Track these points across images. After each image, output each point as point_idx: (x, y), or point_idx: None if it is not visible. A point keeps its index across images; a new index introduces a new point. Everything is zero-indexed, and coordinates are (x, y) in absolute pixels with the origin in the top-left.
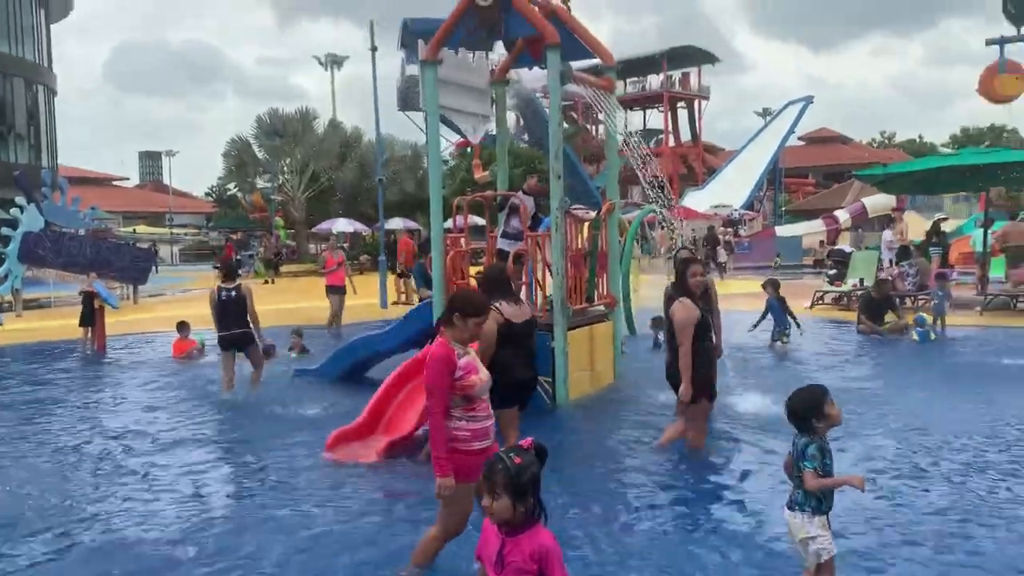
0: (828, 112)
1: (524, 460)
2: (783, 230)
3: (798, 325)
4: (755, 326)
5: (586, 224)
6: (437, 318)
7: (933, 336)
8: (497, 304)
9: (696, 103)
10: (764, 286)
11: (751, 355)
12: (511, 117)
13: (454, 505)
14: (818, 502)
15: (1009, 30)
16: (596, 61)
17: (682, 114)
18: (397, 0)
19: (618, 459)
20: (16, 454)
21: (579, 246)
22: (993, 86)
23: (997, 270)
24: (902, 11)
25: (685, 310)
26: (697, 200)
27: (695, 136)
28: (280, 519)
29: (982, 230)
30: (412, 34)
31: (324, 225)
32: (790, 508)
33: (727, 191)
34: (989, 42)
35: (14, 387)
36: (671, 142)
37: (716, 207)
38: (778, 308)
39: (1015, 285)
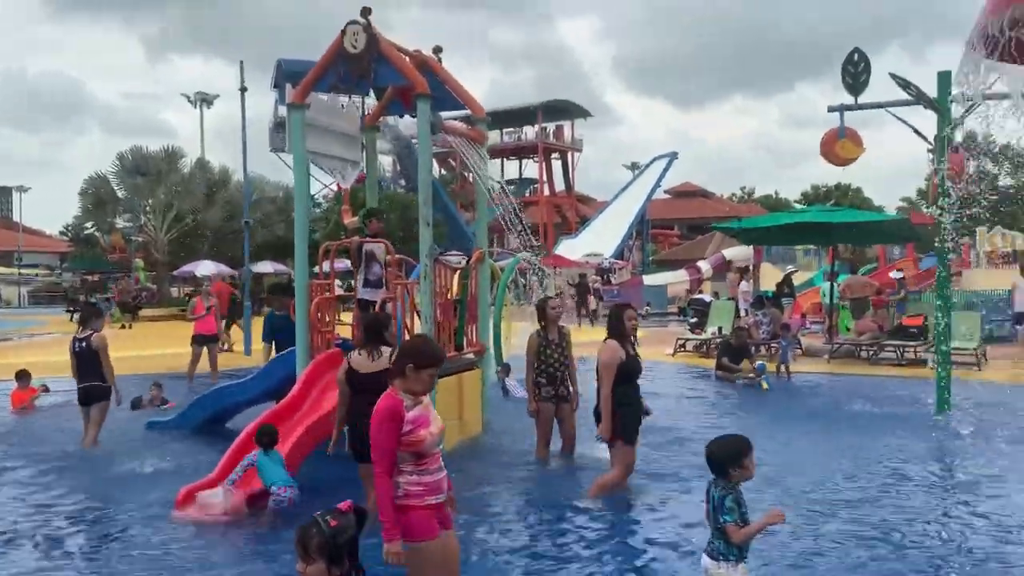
0: (692, 167)
1: (340, 523)
2: (651, 279)
3: None
4: None
5: (457, 272)
6: (390, 369)
7: (765, 386)
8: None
9: (570, 154)
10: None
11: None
12: (388, 161)
13: (430, 569)
14: (739, 551)
15: (848, 98)
16: (468, 112)
17: (556, 165)
18: (272, 39)
19: (484, 510)
20: None
21: (448, 294)
22: (834, 150)
23: (846, 320)
24: (761, 74)
25: (608, 351)
26: (570, 248)
27: (569, 186)
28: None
29: (829, 282)
30: (286, 75)
31: (187, 267)
32: (712, 558)
33: (599, 240)
34: (831, 109)
35: None
36: (546, 191)
37: (588, 255)
38: None
39: (858, 335)
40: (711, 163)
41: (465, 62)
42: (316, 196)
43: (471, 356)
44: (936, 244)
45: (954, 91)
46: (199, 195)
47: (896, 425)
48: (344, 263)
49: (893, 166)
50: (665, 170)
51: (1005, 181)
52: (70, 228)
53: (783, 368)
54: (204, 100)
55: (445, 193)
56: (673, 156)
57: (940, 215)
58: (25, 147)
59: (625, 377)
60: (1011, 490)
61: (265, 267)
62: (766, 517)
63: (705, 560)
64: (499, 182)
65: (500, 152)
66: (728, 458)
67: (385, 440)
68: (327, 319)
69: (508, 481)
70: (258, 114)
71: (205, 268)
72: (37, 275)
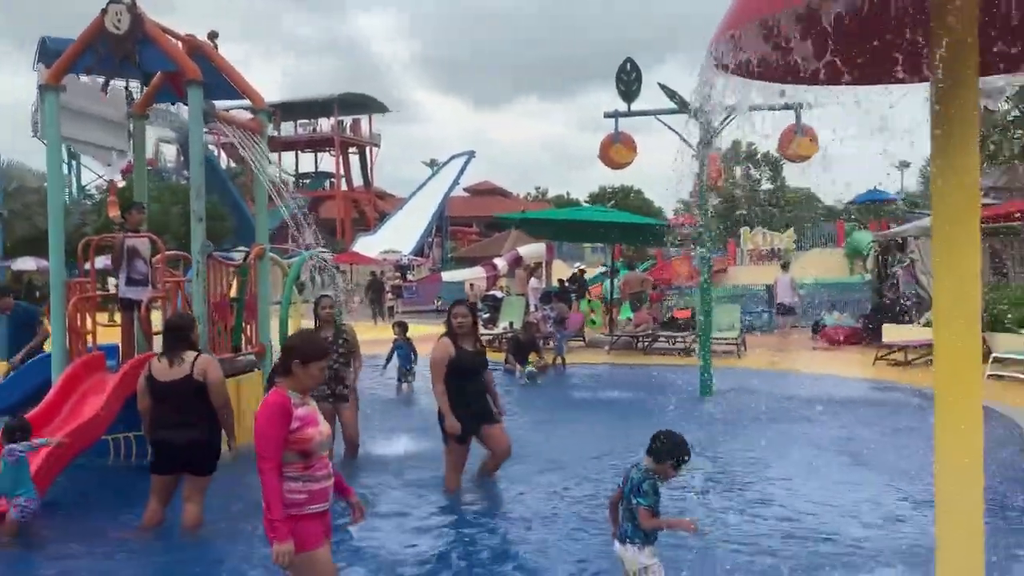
0: (491, 166)
1: None
2: (449, 275)
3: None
4: (384, 367)
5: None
6: (273, 367)
7: (540, 380)
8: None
9: (367, 149)
10: (393, 327)
11: (384, 397)
12: (171, 151)
13: None
14: (645, 534)
15: (624, 105)
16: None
17: (354, 159)
18: (38, 14)
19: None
20: None
21: (224, 292)
22: (609, 154)
23: (626, 313)
24: (555, 79)
25: (437, 349)
26: (368, 245)
27: (367, 182)
28: None
29: (609, 279)
30: (50, 54)
31: None
32: (621, 542)
33: (397, 237)
34: (607, 115)
35: None
36: (343, 186)
37: (386, 252)
38: (405, 349)
39: (635, 326)
40: (509, 163)
41: (257, 50)
42: (88, 187)
43: (250, 357)
44: (675, 244)
45: (692, 103)
46: None
47: (664, 410)
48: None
49: (669, 169)
50: (463, 169)
51: (766, 186)
52: None
53: (559, 360)
54: None
55: (234, 186)
56: (471, 155)
57: (701, 218)
58: None
59: (456, 373)
60: (766, 467)
61: (27, 263)
62: (681, 521)
63: (616, 544)
64: (290, 175)
65: (294, 144)
66: (671, 451)
67: (273, 433)
68: (86, 322)
69: None
70: (22, 96)
71: None
72: None
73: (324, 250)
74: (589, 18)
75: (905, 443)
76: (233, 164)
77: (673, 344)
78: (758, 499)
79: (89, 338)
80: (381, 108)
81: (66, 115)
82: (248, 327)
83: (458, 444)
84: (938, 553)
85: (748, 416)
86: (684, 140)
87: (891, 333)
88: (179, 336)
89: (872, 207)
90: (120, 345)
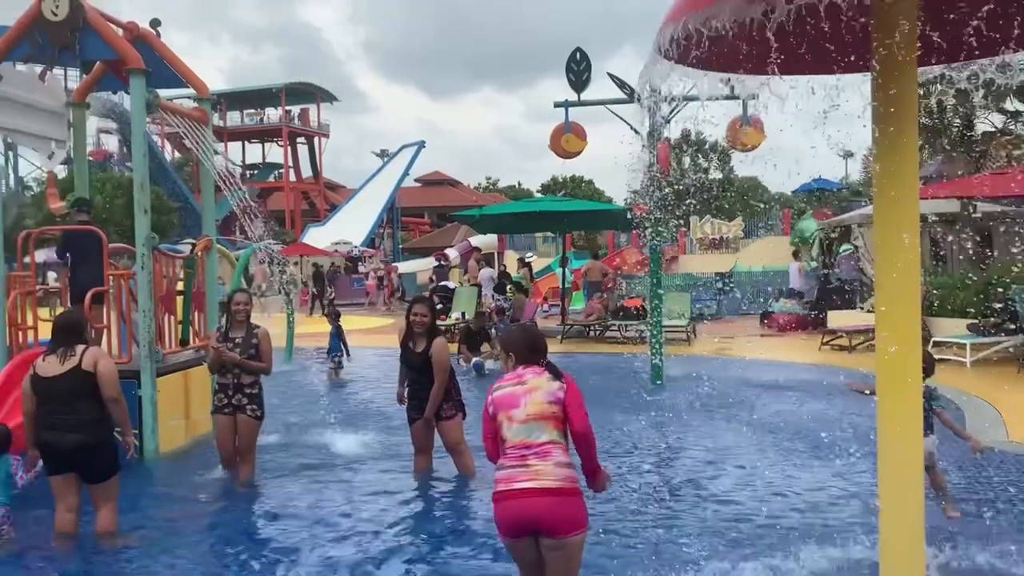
0: (442, 157)
1: None
2: (402, 267)
3: (348, 354)
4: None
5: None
6: None
7: (485, 372)
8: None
9: (316, 139)
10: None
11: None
12: (114, 141)
13: None
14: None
15: (574, 95)
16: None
17: (302, 150)
18: None
19: (205, 510)
20: None
21: (170, 285)
22: (559, 143)
23: (578, 303)
24: (508, 69)
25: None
26: (318, 236)
27: (316, 172)
28: None
29: (562, 268)
30: None
31: None
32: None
33: (348, 228)
34: (556, 104)
35: None
36: (292, 177)
37: (337, 244)
38: (335, 337)
39: (587, 316)
40: (460, 153)
41: (203, 38)
42: (27, 178)
43: (196, 351)
44: (642, 232)
45: (639, 92)
46: None
47: (616, 397)
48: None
49: (620, 158)
50: (413, 158)
51: (715, 175)
52: None
53: None
54: None
55: (179, 177)
56: (421, 145)
57: (651, 207)
58: None
59: (405, 366)
60: (715, 451)
61: None
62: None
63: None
64: (238, 165)
65: (241, 134)
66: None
67: None
68: (25, 317)
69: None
70: None
71: None
72: None
73: (273, 242)
74: (542, 8)
75: (846, 424)
76: (178, 154)
77: (624, 332)
78: (708, 485)
79: (31, 333)
80: (329, 97)
81: (3, 105)
82: (196, 320)
83: (409, 425)
84: (882, 530)
85: (697, 402)
86: (634, 130)
87: (836, 319)
88: (70, 332)
89: (816, 195)
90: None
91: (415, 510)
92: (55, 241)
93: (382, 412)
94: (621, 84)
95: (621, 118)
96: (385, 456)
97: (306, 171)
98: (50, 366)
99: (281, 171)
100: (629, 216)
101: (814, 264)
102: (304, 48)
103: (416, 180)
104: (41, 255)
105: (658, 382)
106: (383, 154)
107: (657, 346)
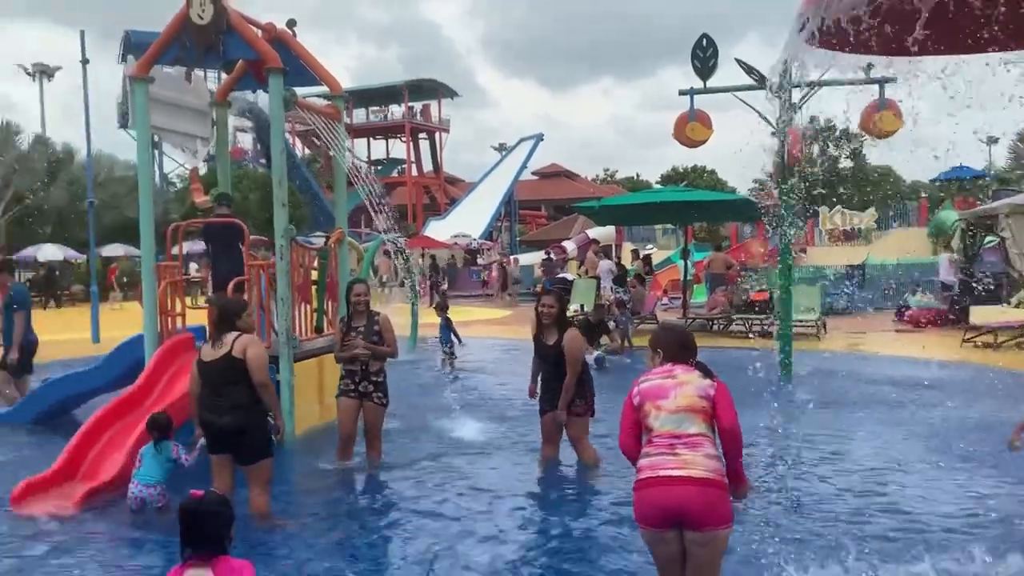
0: (559, 149)
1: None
2: (525, 259)
3: (460, 342)
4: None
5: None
6: None
7: (606, 365)
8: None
9: (437, 135)
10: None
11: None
12: (248, 139)
13: None
14: None
15: (699, 83)
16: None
17: (424, 145)
18: (121, 8)
19: (345, 490)
20: None
21: (307, 275)
22: (684, 132)
23: (700, 296)
24: (626, 59)
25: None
26: (439, 229)
27: (437, 167)
28: None
29: (684, 260)
30: (134, 47)
31: (28, 251)
32: None
33: (468, 221)
34: (681, 92)
35: None
36: (414, 172)
37: (456, 236)
38: (444, 329)
39: (710, 310)
40: (577, 145)
41: (331, 38)
42: (171, 175)
43: (331, 339)
44: (772, 224)
45: (773, 79)
46: (39, 173)
47: (743, 394)
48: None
49: (745, 147)
50: (531, 151)
51: (846, 163)
52: None
53: (626, 342)
54: (44, 72)
55: (310, 172)
56: (539, 138)
57: (782, 197)
58: None
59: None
60: (851, 449)
61: (116, 250)
62: None
63: None
64: (364, 162)
65: (366, 131)
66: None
67: None
68: (175, 304)
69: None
70: (108, 88)
71: (48, 252)
72: None
73: (398, 235)
74: None
75: (994, 428)
76: (308, 151)
77: (750, 327)
78: (844, 484)
79: (179, 319)
80: (450, 93)
81: (154, 105)
82: (329, 309)
83: (540, 416)
84: None
85: (829, 400)
86: (763, 117)
87: (979, 315)
88: (223, 320)
89: (957, 184)
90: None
91: (542, 499)
92: (197, 234)
93: (502, 401)
94: (749, 70)
95: (749, 105)
96: (507, 445)
97: (427, 166)
98: (208, 351)
99: (404, 166)
100: (755, 206)
101: (955, 256)
102: (426, 45)
103: (533, 173)
104: (186, 246)
105: (787, 379)
106: (501, 148)
107: (786, 341)
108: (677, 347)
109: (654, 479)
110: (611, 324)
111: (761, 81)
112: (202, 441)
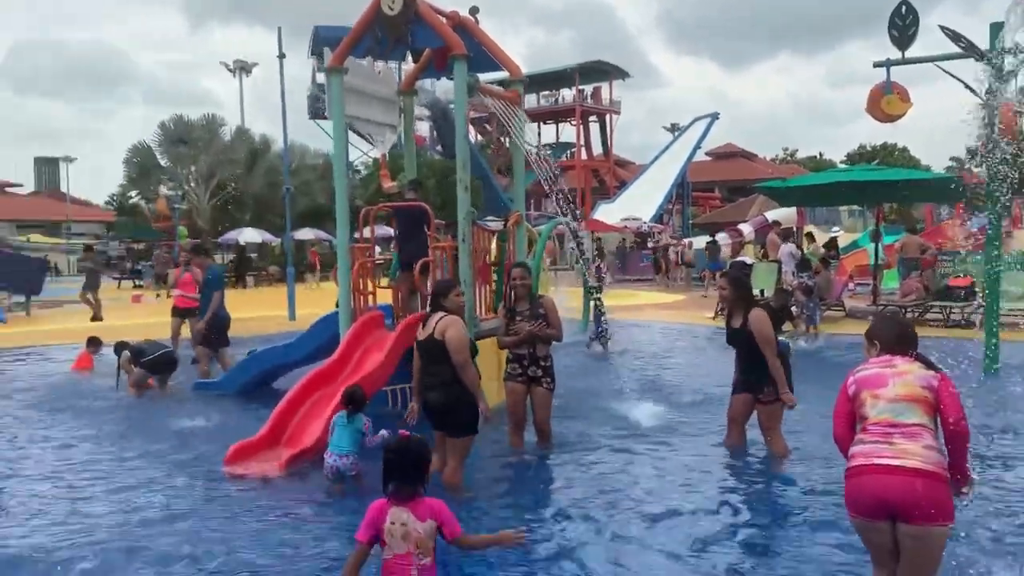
0: (734, 128)
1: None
2: (699, 242)
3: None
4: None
5: (494, 235)
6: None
7: (793, 351)
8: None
9: (608, 117)
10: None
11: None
12: (425, 127)
13: None
14: None
15: (895, 54)
16: (505, 74)
17: (594, 128)
18: (312, 6)
19: (520, 471)
20: None
21: (487, 257)
22: (879, 106)
23: (891, 282)
24: (805, 33)
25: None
26: (608, 213)
27: (606, 149)
28: (179, 533)
29: (875, 243)
30: (323, 41)
31: (231, 235)
32: None
33: (637, 204)
34: (876, 64)
35: None
36: (583, 155)
37: (626, 220)
38: (597, 312)
39: (903, 296)
40: (754, 124)
41: (504, 23)
42: (355, 163)
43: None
44: (975, 205)
45: (1004, 42)
46: (240, 163)
47: None
48: (387, 230)
49: (941, 123)
50: (706, 131)
51: None
52: (115, 197)
53: (812, 329)
54: (243, 68)
55: (483, 158)
56: (714, 117)
57: (991, 173)
58: (71, 117)
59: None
60: None
61: (306, 234)
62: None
63: None
64: (536, 147)
65: (536, 116)
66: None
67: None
68: (367, 283)
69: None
70: (297, 82)
71: (248, 235)
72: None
73: (570, 219)
74: None
75: None
76: (480, 137)
77: (948, 315)
78: None
79: (370, 298)
80: (622, 74)
81: (349, 96)
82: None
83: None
84: None
85: None
86: (968, 88)
87: None
88: (434, 298)
89: None
90: (393, 305)
91: (727, 487)
92: (385, 218)
93: (672, 386)
94: (956, 37)
95: (952, 75)
96: (685, 431)
97: (596, 149)
98: (421, 331)
99: (573, 150)
100: (960, 186)
101: None
102: (597, 27)
103: (707, 154)
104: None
105: (994, 370)
106: (673, 128)
107: (992, 330)
108: (895, 338)
109: (868, 467)
110: (794, 310)
111: (969, 49)
112: (383, 432)
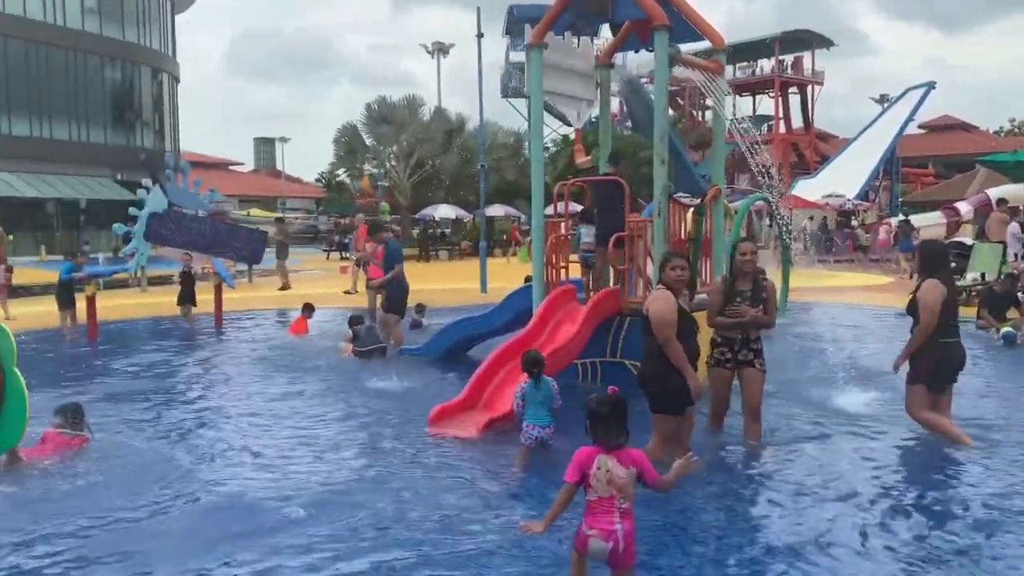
0: (951, 98)
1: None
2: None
3: None
4: None
5: (690, 211)
6: None
7: (1021, 341)
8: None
9: (809, 88)
10: None
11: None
12: (615, 103)
13: None
14: None
15: None
16: (705, 44)
17: (794, 100)
18: None
19: (722, 456)
20: (134, 426)
21: (683, 233)
22: None
23: None
24: None
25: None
26: (808, 189)
27: (807, 122)
28: (386, 488)
29: None
30: (517, 21)
31: (427, 211)
32: None
33: (840, 180)
34: None
35: (154, 358)
36: (781, 129)
37: (828, 196)
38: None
39: None
40: (975, 93)
41: None
42: (544, 140)
43: (704, 296)
44: None
45: None
46: (437, 141)
47: None
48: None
49: None
50: (921, 102)
51: None
52: (324, 175)
53: None
54: (441, 49)
55: (674, 133)
56: (931, 86)
57: None
58: (286, 100)
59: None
60: None
61: (496, 211)
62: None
63: None
64: (734, 119)
65: (733, 87)
66: None
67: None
68: (559, 258)
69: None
70: (489, 62)
71: (443, 211)
72: (297, 219)
73: (766, 194)
74: None
75: None
76: (671, 112)
77: None
78: None
79: (562, 272)
80: (826, 43)
81: (548, 71)
82: (702, 267)
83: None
84: None
85: None
86: None
87: None
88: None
89: None
90: (582, 278)
91: (928, 480)
92: (577, 194)
93: (878, 373)
94: None
95: None
96: (894, 420)
97: (796, 122)
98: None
99: (771, 123)
100: None
101: None
102: None
103: (920, 126)
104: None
105: None
106: (883, 99)
107: None
108: None
109: None
110: (1021, 296)
111: None
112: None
